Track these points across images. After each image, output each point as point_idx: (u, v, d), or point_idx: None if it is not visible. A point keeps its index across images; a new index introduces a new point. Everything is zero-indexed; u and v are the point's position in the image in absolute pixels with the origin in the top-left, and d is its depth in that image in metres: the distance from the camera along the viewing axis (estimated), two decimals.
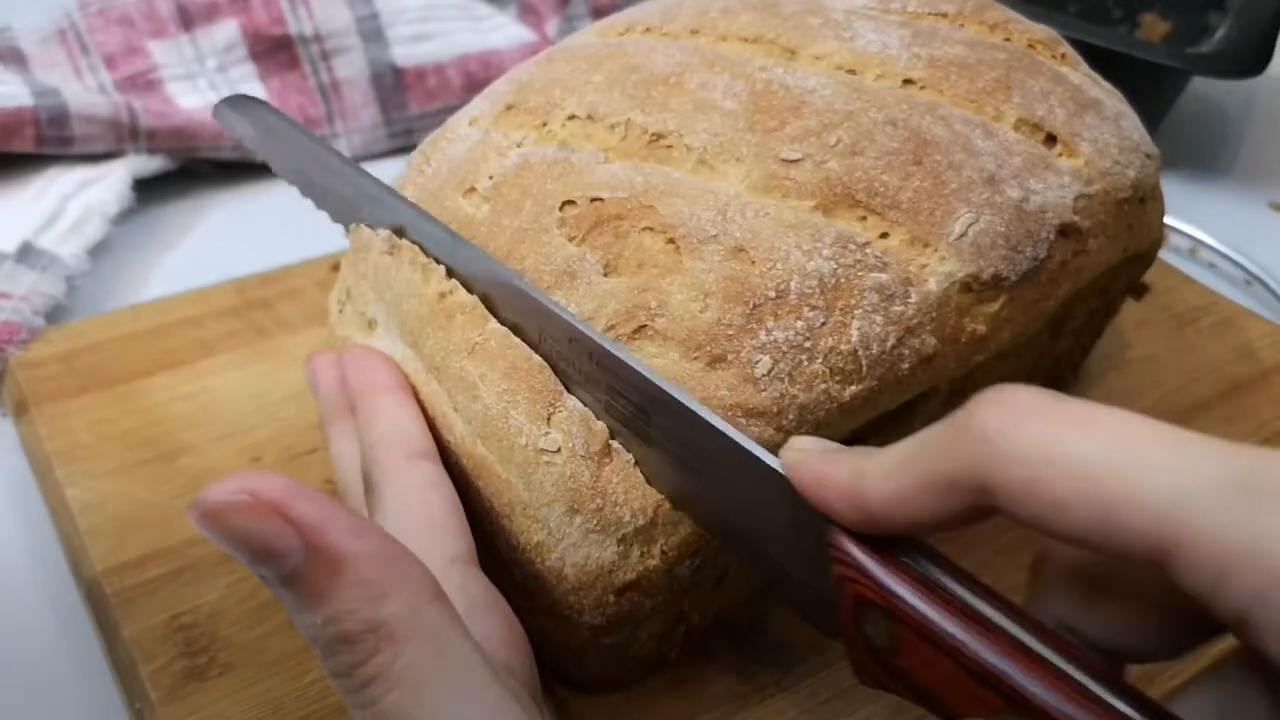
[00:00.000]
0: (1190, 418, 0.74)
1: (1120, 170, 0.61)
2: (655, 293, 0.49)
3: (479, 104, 0.61)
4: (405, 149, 1.00)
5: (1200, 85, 1.08)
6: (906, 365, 0.52)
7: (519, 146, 0.56)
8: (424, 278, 0.53)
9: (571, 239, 0.51)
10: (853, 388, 0.50)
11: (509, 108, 0.59)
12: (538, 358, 0.49)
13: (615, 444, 0.48)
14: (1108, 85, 0.65)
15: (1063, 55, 0.65)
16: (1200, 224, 0.95)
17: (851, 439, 0.53)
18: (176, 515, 0.62)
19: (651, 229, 0.51)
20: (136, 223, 0.87)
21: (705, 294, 0.49)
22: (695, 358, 0.48)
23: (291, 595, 0.38)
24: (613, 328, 0.49)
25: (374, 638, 0.39)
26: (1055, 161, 0.58)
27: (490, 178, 0.55)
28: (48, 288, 0.77)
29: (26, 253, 0.78)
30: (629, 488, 0.47)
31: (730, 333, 0.49)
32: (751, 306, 0.49)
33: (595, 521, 0.47)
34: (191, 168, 0.93)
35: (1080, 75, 0.63)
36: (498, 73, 0.99)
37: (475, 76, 1.00)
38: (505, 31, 1.02)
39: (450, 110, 0.96)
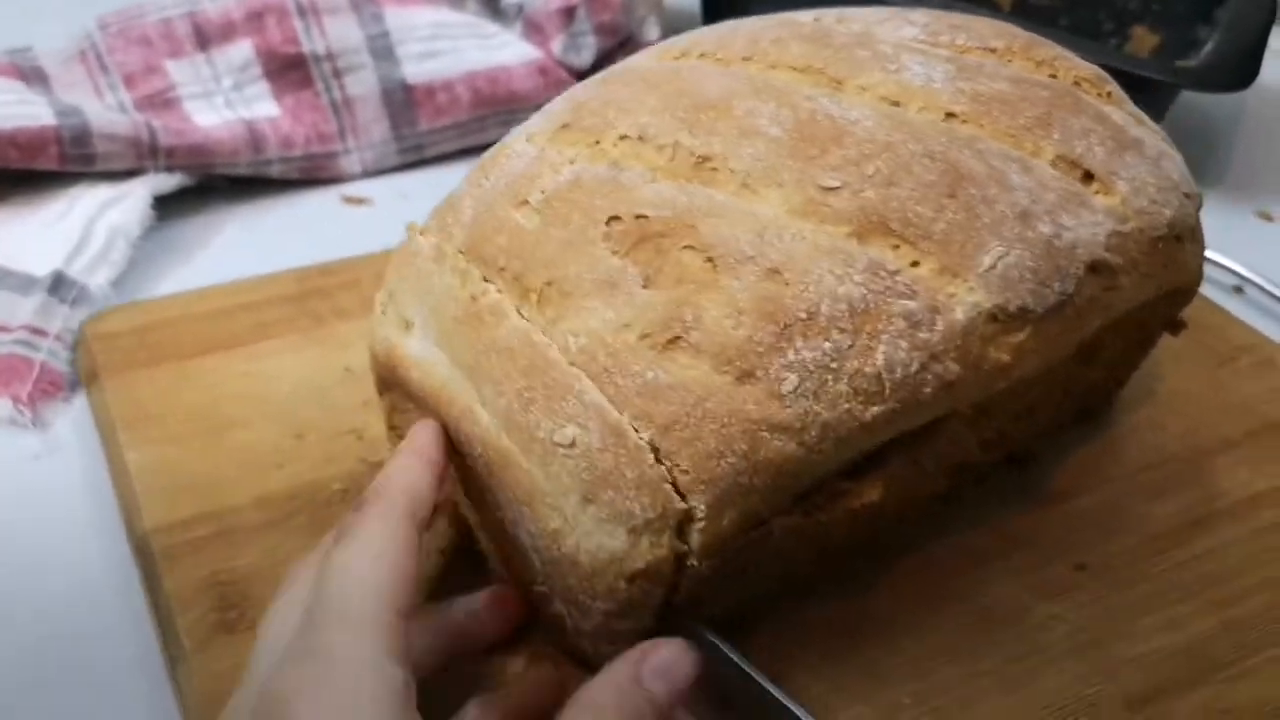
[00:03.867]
0: (1216, 455, 0.78)
1: (1157, 209, 0.65)
2: (691, 307, 0.54)
3: (536, 121, 0.66)
4: (415, 164, 1.06)
5: (1189, 97, 1.12)
6: (929, 390, 0.56)
7: (572, 163, 0.61)
8: (461, 282, 0.59)
9: (615, 252, 0.56)
10: (875, 409, 0.55)
11: (564, 126, 0.63)
12: (553, 355, 0.54)
13: (630, 434, 0.52)
14: (1152, 124, 0.70)
15: (1108, 94, 0.69)
16: None
17: (874, 454, 0.58)
18: (224, 482, 0.70)
19: (692, 247, 0.56)
20: (153, 237, 0.92)
21: (739, 311, 0.54)
22: (725, 371, 0.53)
23: None
24: (648, 335, 0.54)
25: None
26: (1090, 199, 0.63)
27: (542, 192, 0.60)
28: (76, 325, 0.82)
29: (59, 284, 0.84)
30: (640, 479, 0.52)
31: (760, 350, 0.53)
32: (782, 326, 0.54)
33: (607, 512, 0.52)
34: (207, 183, 0.98)
35: (1123, 114, 0.68)
36: (505, 89, 1.04)
37: (483, 93, 1.05)
38: (512, 49, 1.07)
39: (460, 126, 1.01)
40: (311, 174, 1.01)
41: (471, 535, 0.64)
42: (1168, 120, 1.11)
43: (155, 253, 0.90)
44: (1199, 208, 0.68)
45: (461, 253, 0.59)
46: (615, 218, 0.57)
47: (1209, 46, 1.07)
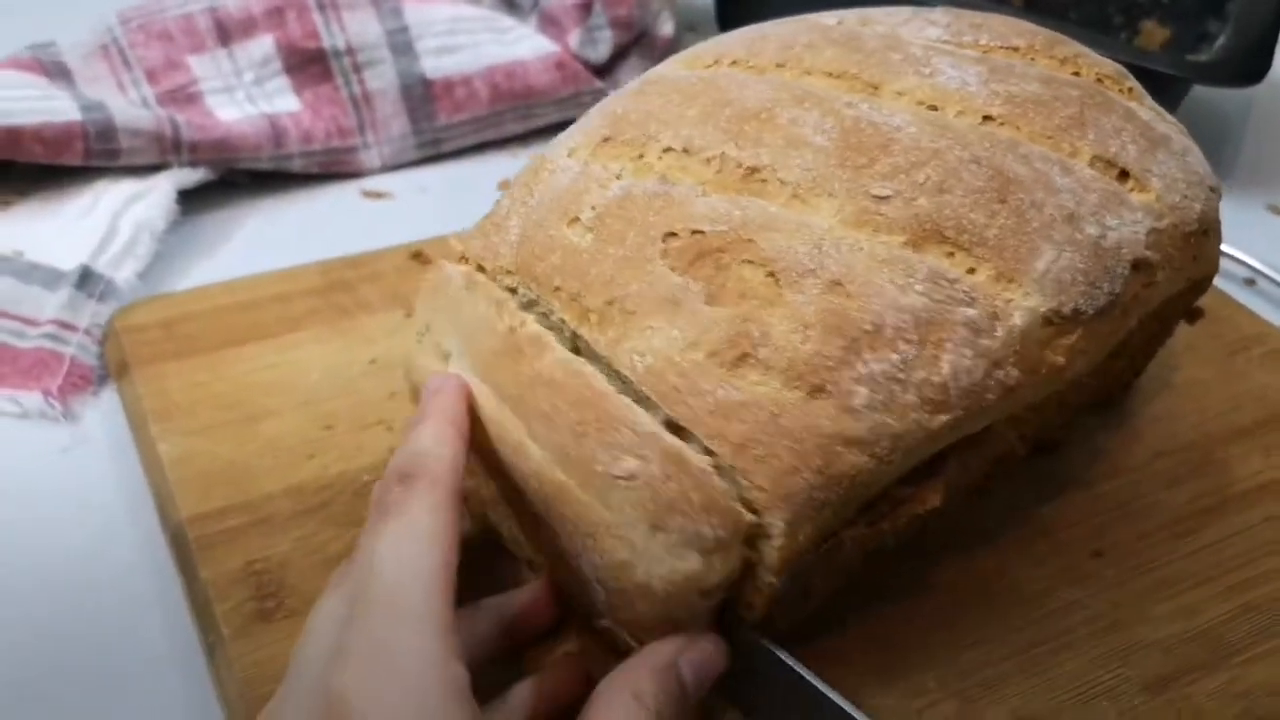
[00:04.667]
0: (1229, 443, 0.77)
1: (1188, 204, 0.64)
2: (757, 323, 0.52)
3: (575, 135, 0.64)
4: (433, 159, 1.04)
5: (1200, 91, 1.11)
6: (991, 396, 0.55)
7: (618, 178, 0.59)
8: (497, 312, 0.57)
9: (675, 269, 0.54)
10: (942, 417, 0.53)
11: (606, 139, 0.61)
12: (601, 385, 0.53)
13: (692, 459, 0.51)
14: (1171, 119, 0.68)
15: (1129, 89, 0.68)
16: None
17: (931, 459, 0.57)
18: (257, 472, 0.70)
19: (751, 262, 0.54)
20: (176, 231, 0.91)
21: (805, 326, 0.52)
22: (796, 387, 0.51)
23: None
24: (716, 353, 0.52)
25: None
26: (1128, 198, 0.61)
27: (593, 208, 0.58)
28: (105, 319, 0.81)
29: (86, 279, 0.82)
30: (707, 502, 0.50)
31: (830, 364, 0.52)
32: (850, 339, 0.52)
33: (678, 537, 0.50)
34: (228, 178, 0.97)
35: (1148, 110, 0.67)
36: (522, 84, 1.03)
37: (500, 87, 1.03)
38: (529, 43, 1.05)
39: (478, 120, 1.01)
40: (331, 168, 0.99)
41: (492, 529, 0.63)
42: (1178, 115, 1.12)
43: (179, 247, 0.89)
44: (1219, 199, 0.67)
45: (510, 272, 0.58)
46: (672, 234, 0.55)
47: (1220, 41, 1.05)
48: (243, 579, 0.63)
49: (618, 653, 0.57)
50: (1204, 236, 0.65)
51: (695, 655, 0.53)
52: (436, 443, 0.54)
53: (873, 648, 0.62)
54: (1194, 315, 0.75)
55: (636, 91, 0.65)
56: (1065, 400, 0.67)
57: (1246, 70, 1.02)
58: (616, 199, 0.57)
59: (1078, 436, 0.75)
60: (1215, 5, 1.10)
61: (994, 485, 0.69)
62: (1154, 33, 1.15)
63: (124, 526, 0.69)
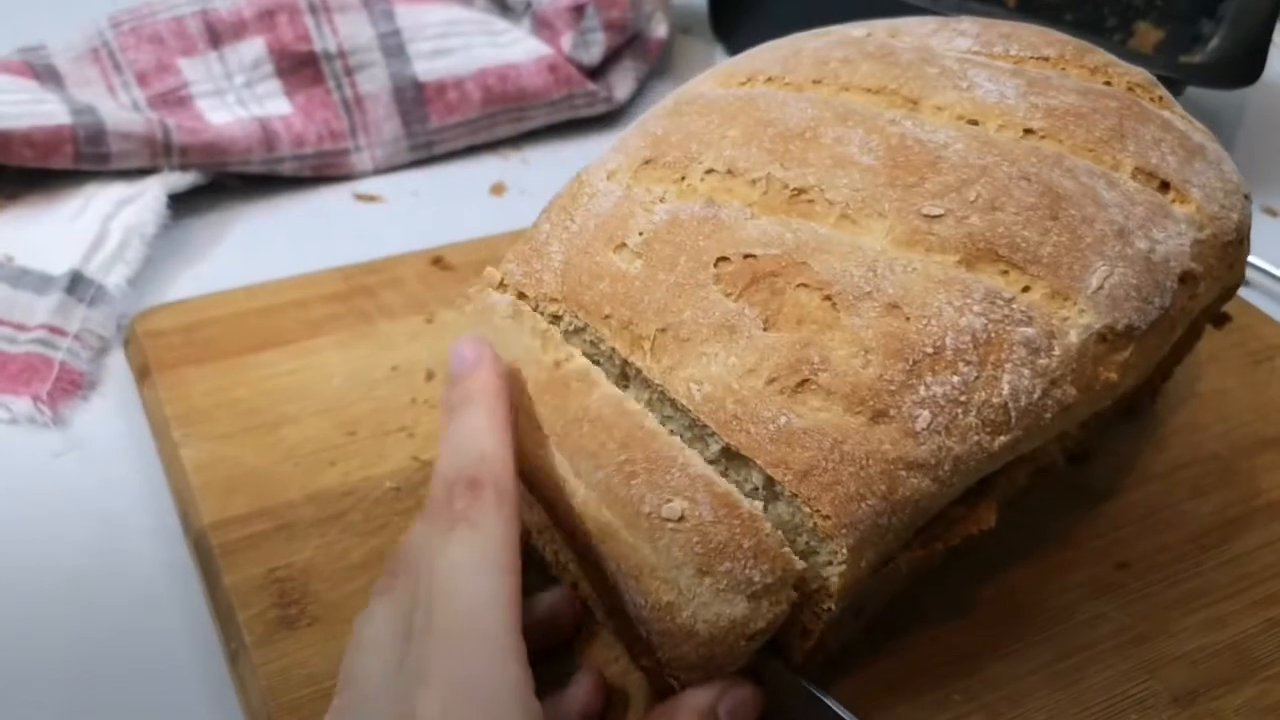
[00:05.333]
0: (1255, 453, 0.77)
1: (1226, 214, 0.63)
2: (817, 348, 0.52)
3: (614, 157, 0.63)
4: (425, 161, 1.03)
5: (1194, 91, 1.11)
6: (1049, 414, 0.55)
7: (662, 201, 0.58)
8: (542, 345, 0.56)
9: (729, 294, 0.54)
10: (1002, 438, 0.53)
11: (646, 162, 0.61)
12: (651, 425, 0.52)
13: (742, 503, 0.50)
14: (1201, 125, 0.68)
15: (1160, 98, 0.67)
16: None
17: (981, 479, 0.56)
18: (279, 478, 0.70)
19: (806, 285, 0.53)
20: (166, 235, 0.90)
21: (866, 350, 0.52)
22: (859, 412, 0.51)
23: None
24: (775, 380, 0.51)
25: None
26: (1172, 209, 0.61)
27: (640, 233, 0.57)
28: (97, 327, 0.81)
29: (76, 283, 0.81)
30: (758, 547, 0.50)
31: (892, 388, 0.51)
32: (910, 363, 0.52)
33: (726, 582, 0.50)
34: (219, 181, 0.96)
35: (1181, 119, 0.66)
36: (515, 86, 1.02)
37: (493, 90, 1.02)
38: (522, 46, 1.04)
39: (470, 123, 1.00)
40: (323, 171, 0.98)
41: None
42: None
43: (169, 251, 0.89)
44: (1252, 206, 0.67)
45: (556, 300, 0.57)
46: (724, 258, 0.54)
47: (1213, 42, 1.05)
48: (265, 586, 0.63)
49: (661, 691, 0.56)
50: (1239, 245, 0.65)
51: (733, 701, 0.53)
52: (494, 442, 0.52)
53: (899, 660, 0.62)
54: (1221, 320, 0.75)
55: (673, 111, 0.64)
56: (1102, 411, 0.66)
57: (1240, 71, 1.02)
58: (664, 223, 0.57)
59: (1104, 446, 0.75)
60: (1209, 7, 1.10)
61: (1023, 497, 0.68)
62: (1148, 34, 1.15)
63: (128, 531, 0.69)
